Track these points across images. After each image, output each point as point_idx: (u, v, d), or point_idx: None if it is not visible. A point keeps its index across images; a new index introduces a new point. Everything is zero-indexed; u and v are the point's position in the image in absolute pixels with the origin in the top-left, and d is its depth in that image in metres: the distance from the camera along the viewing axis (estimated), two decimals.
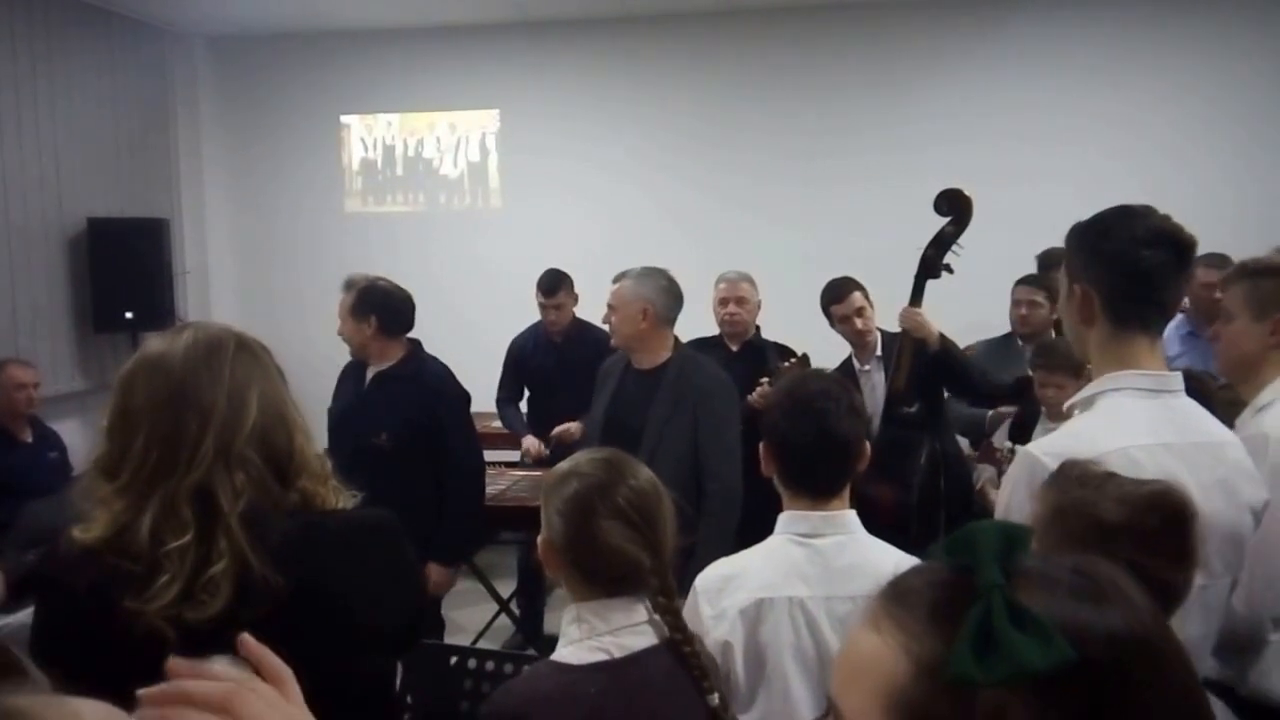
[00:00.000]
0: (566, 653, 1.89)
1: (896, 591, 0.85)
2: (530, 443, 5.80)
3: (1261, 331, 2.39)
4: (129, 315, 6.91)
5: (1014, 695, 0.73)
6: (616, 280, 4.14)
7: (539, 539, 1.98)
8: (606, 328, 4.24)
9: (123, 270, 6.93)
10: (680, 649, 1.89)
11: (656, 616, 1.91)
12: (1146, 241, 1.97)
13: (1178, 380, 2.05)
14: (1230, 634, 2.11)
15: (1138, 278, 1.99)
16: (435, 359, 4.53)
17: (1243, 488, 2.04)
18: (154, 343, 1.73)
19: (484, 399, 5.64)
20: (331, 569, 1.66)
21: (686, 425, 3.90)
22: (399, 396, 4.33)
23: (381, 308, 4.36)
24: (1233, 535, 2.01)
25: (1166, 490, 1.65)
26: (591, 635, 1.88)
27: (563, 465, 1.99)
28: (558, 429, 5.61)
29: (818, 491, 2.25)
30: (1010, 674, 0.73)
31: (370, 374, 4.42)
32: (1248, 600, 2.13)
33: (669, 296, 4.07)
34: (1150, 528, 1.61)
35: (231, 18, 7.80)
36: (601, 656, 1.85)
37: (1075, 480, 1.70)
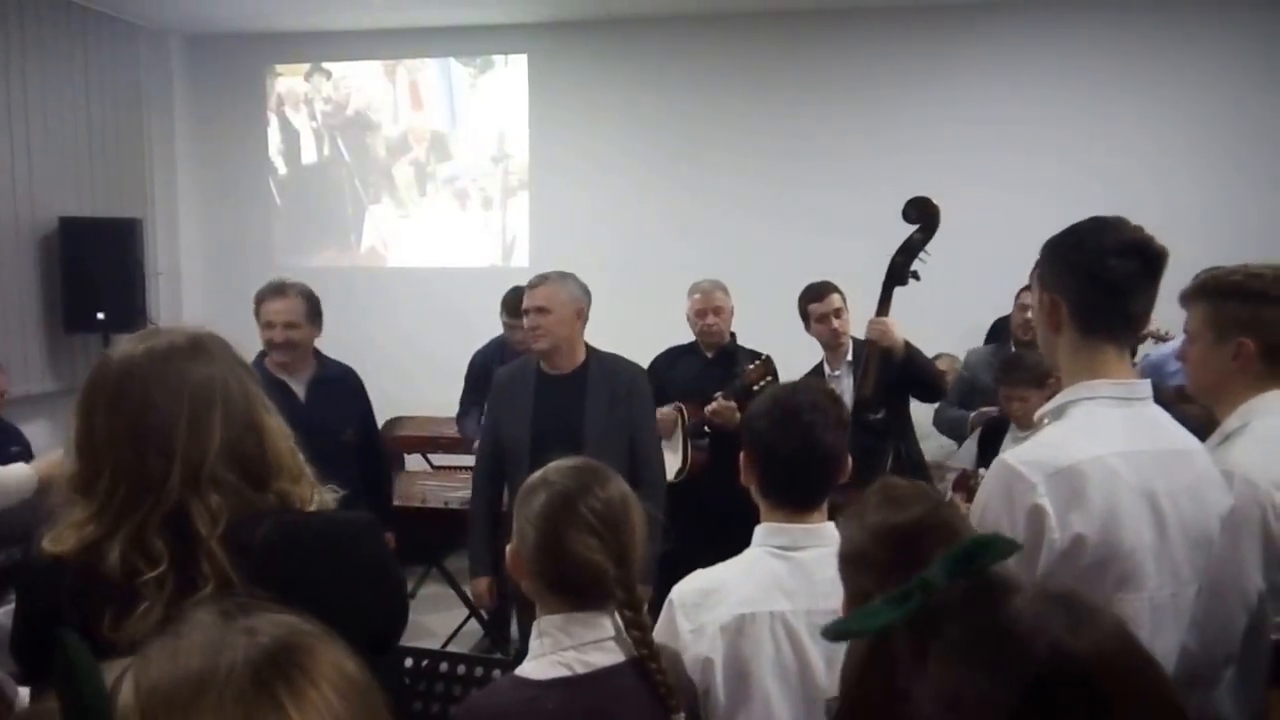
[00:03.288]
0: (529, 668, 1.87)
1: None
2: None
3: (1224, 355, 2.35)
4: (100, 315, 6.88)
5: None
6: (537, 284, 4.13)
7: (508, 549, 1.97)
8: (530, 333, 4.13)
9: (94, 270, 6.90)
10: (646, 665, 1.87)
11: (624, 632, 1.89)
12: (1115, 251, 1.98)
13: (1146, 388, 2.07)
14: (1186, 673, 2.12)
15: (1104, 287, 2.00)
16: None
17: (1210, 495, 2.06)
18: (108, 365, 1.66)
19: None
20: (313, 572, 1.63)
21: (623, 421, 4.01)
22: (346, 393, 4.44)
23: (320, 314, 4.39)
24: (1202, 541, 2.03)
25: (900, 524, 1.70)
26: (555, 650, 1.86)
27: (535, 476, 1.98)
28: None
29: (798, 503, 2.23)
30: (839, 632, 0.94)
31: (305, 380, 4.34)
32: (1202, 643, 2.13)
33: (589, 297, 4.17)
34: (882, 559, 1.68)
35: (207, 16, 7.78)
36: (563, 672, 1.84)
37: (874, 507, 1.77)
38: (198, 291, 8.41)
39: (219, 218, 8.58)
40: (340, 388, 4.42)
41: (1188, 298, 2.43)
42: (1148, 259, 1.99)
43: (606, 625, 1.89)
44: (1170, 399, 2.65)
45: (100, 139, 7.48)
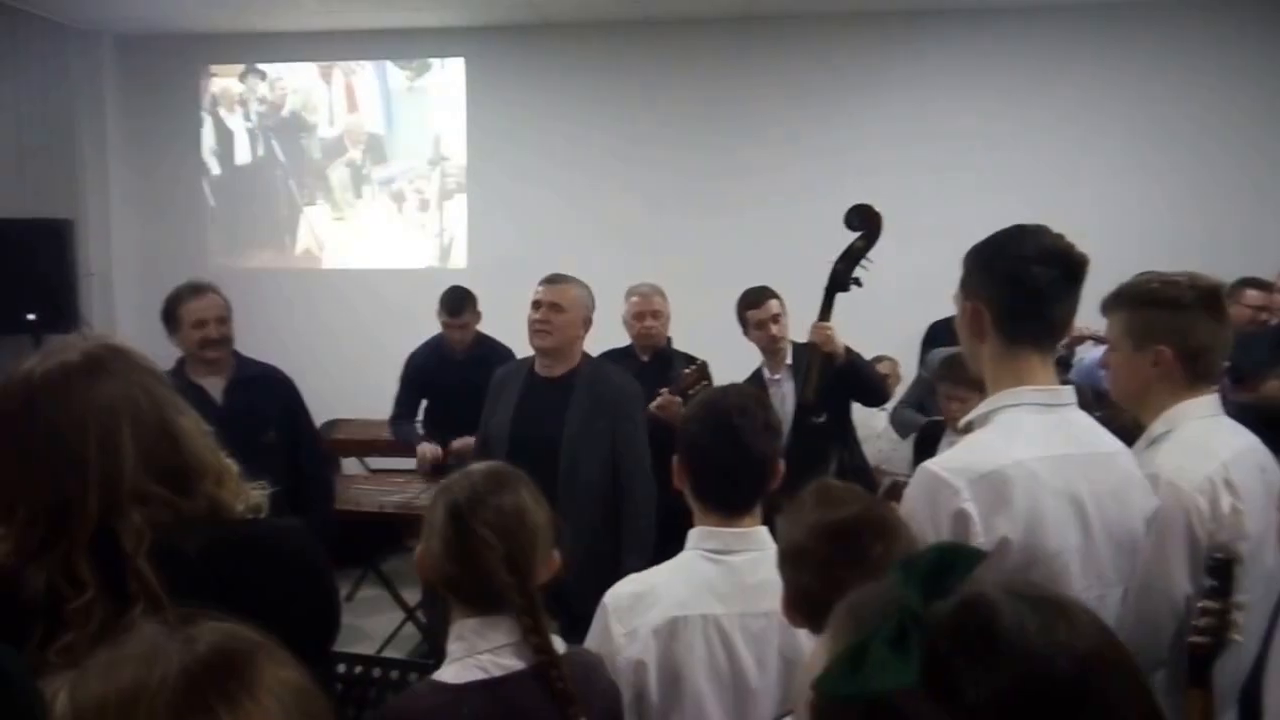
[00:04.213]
0: (447, 672, 1.88)
1: (850, 602, 0.88)
2: (426, 448, 5.57)
3: (1144, 362, 2.38)
4: (31, 317, 6.76)
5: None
6: (554, 281, 4.12)
7: (418, 550, 1.99)
8: (537, 326, 4.06)
9: (25, 272, 6.80)
10: (546, 671, 1.88)
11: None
12: (1037, 259, 2.00)
13: (1070, 394, 2.09)
14: None
15: (1027, 294, 2.02)
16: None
17: (1134, 497, 2.09)
18: (8, 394, 1.62)
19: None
20: (246, 580, 1.62)
21: (605, 430, 3.95)
22: (267, 393, 4.25)
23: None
24: (1126, 543, 2.06)
25: (842, 521, 1.80)
26: (470, 654, 1.88)
27: (445, 480, 2.01)
28: (457, 443, 5.37)
29: (730, 508, 2.23)
30: (850, 693, 0.75)
31: (223, 382, 4.18)
32: (1131, 647, 2.15)
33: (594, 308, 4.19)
34: (822, 554, 1.78)
35: (140, 16, 7.68)
36: (479, 675, 1.85)
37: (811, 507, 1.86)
38: (130, 293, 8.28)
39: (152, 219, 8.48)
40: (260, 388, 4.24)
41: (1107, 307, 2.47)
42: (1069, 266, 2.02)
43: (514, 630, 1.90)
44: (1091, 403, 2.69)
45: (30, 140, 7.36)
